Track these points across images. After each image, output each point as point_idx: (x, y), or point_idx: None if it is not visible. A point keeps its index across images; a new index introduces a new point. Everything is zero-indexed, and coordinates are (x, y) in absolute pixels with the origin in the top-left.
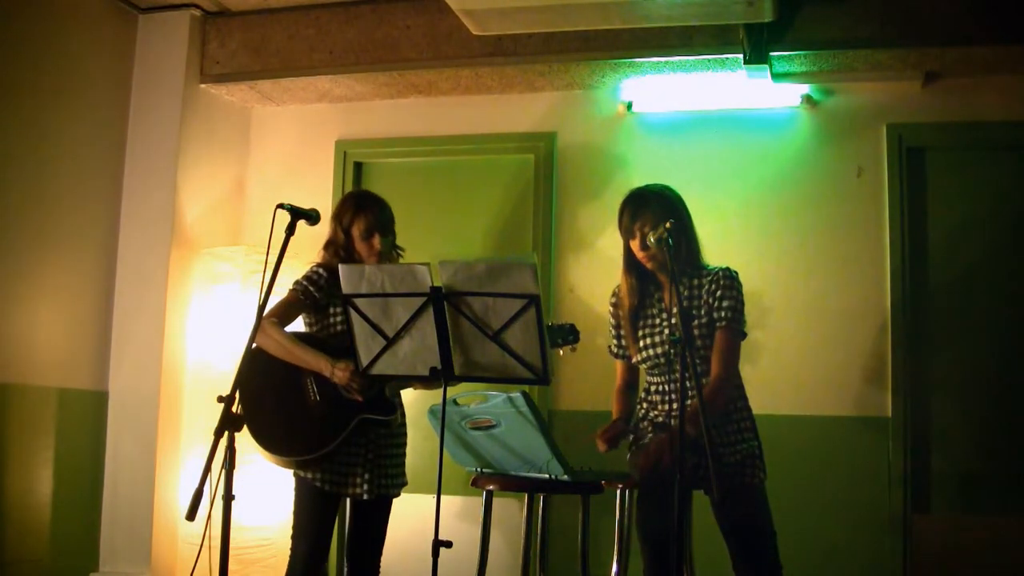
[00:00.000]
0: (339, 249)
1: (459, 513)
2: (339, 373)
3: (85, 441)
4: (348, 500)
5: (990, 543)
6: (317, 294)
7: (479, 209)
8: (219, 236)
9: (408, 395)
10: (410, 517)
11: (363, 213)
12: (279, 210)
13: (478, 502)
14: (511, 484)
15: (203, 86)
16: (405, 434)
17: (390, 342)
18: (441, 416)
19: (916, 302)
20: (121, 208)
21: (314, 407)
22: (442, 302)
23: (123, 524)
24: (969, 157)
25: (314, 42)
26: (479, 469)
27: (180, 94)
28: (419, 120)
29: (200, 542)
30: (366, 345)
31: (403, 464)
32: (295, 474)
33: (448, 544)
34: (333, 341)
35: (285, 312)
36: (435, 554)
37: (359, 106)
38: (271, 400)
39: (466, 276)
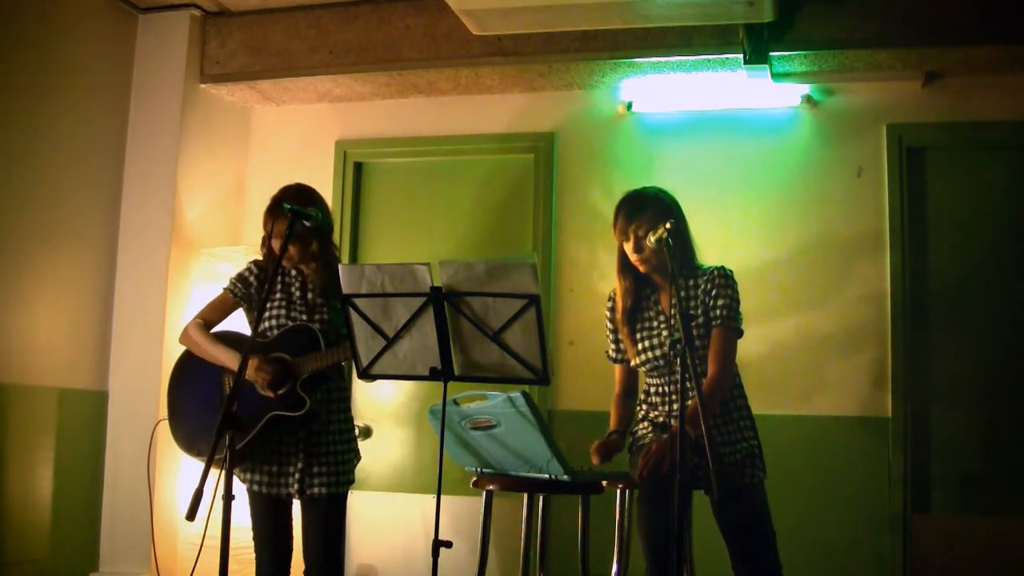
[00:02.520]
0: (264, 246)
1: (459, 513)
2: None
3: (85, 441)
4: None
5: (990, 543)
6: (247, 291)
7: (479, 209)
8: (219, 236)
9: (408, 395)
10: (410, 517)
11: (268, 216)
12: (280, 211)
13: (478, 502)
14: (511, 484)
15: (203, 86)
16: (344, 431)
17: (390, 342)
18: (441, 416)
19: (916, 302)
20: (121, 208)
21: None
22: (442, 302)
23: (123, 524)
24: (969, 157)
25: (314, 42)
26: (479, 469)
27: (180, 94)
28: (419, 120)
29: (200, 542)
30: (366, 345)
31: (341, 463)
32: None
33: (448, 544)
34: (260, 338)
35: (212, 311)
36: (435, 554)
37: (359, 106)
38: (192, 400)
39: (466, 276)
